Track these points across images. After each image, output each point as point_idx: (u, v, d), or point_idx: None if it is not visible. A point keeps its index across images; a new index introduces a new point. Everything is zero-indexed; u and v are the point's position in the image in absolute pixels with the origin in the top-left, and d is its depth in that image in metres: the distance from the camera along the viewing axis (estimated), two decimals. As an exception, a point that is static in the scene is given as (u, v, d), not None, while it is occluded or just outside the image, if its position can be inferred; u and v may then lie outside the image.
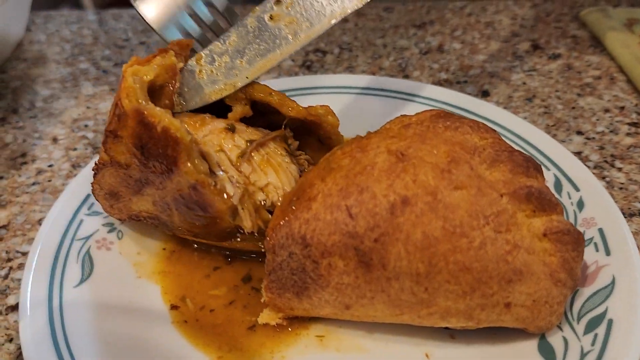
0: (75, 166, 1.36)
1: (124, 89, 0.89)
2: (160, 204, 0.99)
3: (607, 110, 1.46)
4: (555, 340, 0.91)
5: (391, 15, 1.89)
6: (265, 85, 1.04)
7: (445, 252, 0.83)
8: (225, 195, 0.94)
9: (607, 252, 0.99)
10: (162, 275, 1.07)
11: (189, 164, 0.89)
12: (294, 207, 0.88)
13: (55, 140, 1.44)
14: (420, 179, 0.85)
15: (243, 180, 0.97)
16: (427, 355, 0.93)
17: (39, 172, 1.35)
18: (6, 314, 1.05)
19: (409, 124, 0.96)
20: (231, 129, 1.01)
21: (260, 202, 0.98)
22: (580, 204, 1.09)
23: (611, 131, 1.39)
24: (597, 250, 1.01)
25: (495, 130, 0.95)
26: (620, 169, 1.29)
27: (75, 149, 1.41)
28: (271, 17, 1.05)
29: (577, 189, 1.12)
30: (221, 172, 0.96)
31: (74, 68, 1.71)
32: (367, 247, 0.84)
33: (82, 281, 1.03)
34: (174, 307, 1.01)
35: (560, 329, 0.92)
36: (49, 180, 1.32)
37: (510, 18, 1.86)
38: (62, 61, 1.75)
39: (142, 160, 0.93)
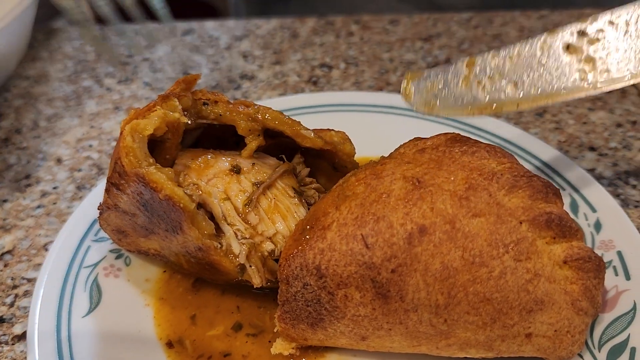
0: (81, 188, 1.34)
1: (122, 149, 0.86)
2: (167, 250, 0.97)
3: (619, 125, 1.44)
4: None
5: (397, 28, 1.87)
6: (279, 113, 0.99)
7: (464, 283, 0.81)
8: (232, 256, 0.92)
9: (627, 277, 0.97)
10: (160, 303, 1.04)
11: (193, 229, 0.88)
12: (307, 237, 0.86)
13: (59, 161, 1.42)
14: (438, 207, 0.83)
15: (250, 233, 0.93)
16: None
17: (44, 194, 1.33)
18: (12, 344, 1.02)
19: (423, 148, 0.93)
20: (236, 171, 0.97)
21: (268, 253, 0.94)
22: (598, 226, 1.07)
23: (624, 147, 1.37)
24: (616, 274, 0.98)
25: (512, 155, 0.93)
26: (634, 186, 1.27)
27: (80, 170, 1.39)
28: (567, 47, 0.91)
29: (594, 210, 1.09)
30: (227, 227, 0.93)
31: (77, 86, 1.69)
32: (385, 278, 0.81)
33: (90, 311, 1.01)
34: (169, 345, 0.98)
35: (582, 357, 0.90)
36: (54, 203, 1.30)
37: (518, 30, 1.84)
38: (65, 79, 1.73)
39: (146, 214, 0.91)
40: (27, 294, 1.11)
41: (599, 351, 0.90)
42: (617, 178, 1.28)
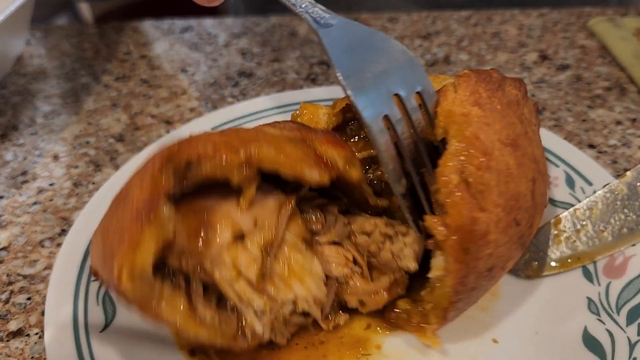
0: (77, 184, 1.33)
1: (122, 293, 0.76)
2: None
3: (618, 123, 1.43)
4: (599, 333, 0.92)
5: (396, 26, 1.87)
6: (275, 150, 0.85)
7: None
8: (254, 335, 0.89)
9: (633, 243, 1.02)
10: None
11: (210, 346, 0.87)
12: (470, 253, 0.84)
13: (56, 157, 1.41)
14: (530, 153, 0.89)
15: (270, 306, 0.87)
16: None
17: (40, 191, 1.32)
18: (7, 340, 1.02)
19: (478, 101, 0.89)
20: (240, 237, 0.86)
21: (289, 315, 0.90)
22: None
23: (624, 144, 1.36)
24: None
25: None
26: (634, 184, 1.26)
27: (76, 167, 1.38)
28: None
29: (590, 183, 1.13)
30: (245, 308, 0.87)
31: (75, 83, 1.68)
32: (526, 234, 0.89)
33: (107, 325, 0.98)
34: (192, 353, 0.96)
35: (602, 322, 0.93)
36: (51, 200, 1.29)
37: (517, 28, 1.83)
38: (62, 76, 1.72)
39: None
40: (23, 290, 1.10)
41: (618, 314, 0.93)
42: (616, 175, 1.27)
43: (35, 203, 1.29)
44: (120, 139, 1.46)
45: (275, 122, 0.98)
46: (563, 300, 0.99)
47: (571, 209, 1.04)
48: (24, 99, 1.62)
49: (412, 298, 0.97)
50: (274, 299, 0.87)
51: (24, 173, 1.37)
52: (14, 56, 1.62)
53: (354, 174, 0.89)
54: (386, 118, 0.87)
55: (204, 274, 0.85)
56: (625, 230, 1.01)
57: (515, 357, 0.93)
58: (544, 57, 1.69)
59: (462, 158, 0.83)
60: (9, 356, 0.99)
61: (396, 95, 0.88)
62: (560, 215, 1.06)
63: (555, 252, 1.04)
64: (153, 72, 1.72)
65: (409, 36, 1.81)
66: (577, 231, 1.03)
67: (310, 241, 0.91)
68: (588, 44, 1.73)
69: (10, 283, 1.12)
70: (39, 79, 1.71)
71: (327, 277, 0.93)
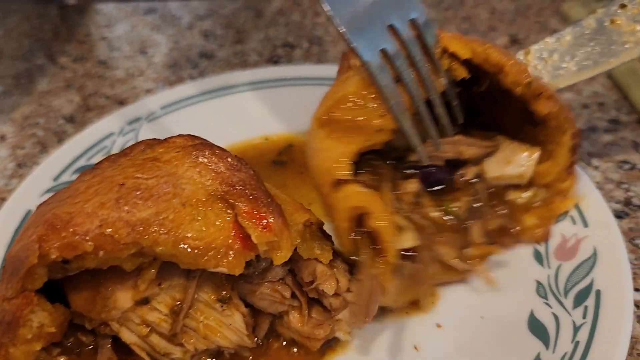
0: (22, 165, 1.28)
1: None
2: None
3: (585, 107, 1.39)
4: (545, 317, 0.89)
5: (365, 9, 1.82)
6: (170, 244, 0.73)
7: None
8: None
9: (585, 224, 0.99)
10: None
11: None
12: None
13: (3, 138, 1.36)
14: None
15: (190, 357, 0.84)
16: (416, 348, 0.89)
17: (-17, 171, 1.27)
18: None
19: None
20: (144, 302, 0.80)
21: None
22: None
23: (589, 128, 1.32)
24: (574, 222, 1.00)
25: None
26: (596, 167, 1.22)
27: (23, 148, 1.33)
28: (612, 22, 1.00)
29: None
30: (164, 359, 0.83)
31: (30, 64, 1.63)
32: None
33: None
34: None
35: (549, 305, 0.90)
36: (-8, 181, 1.24)
37: (489, 12, 1.79)
38: (18, 57, 1.67)
39: None
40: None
41: (566, 297, 0.90)
42: (579, 159, 1.23)
43: (-25, 184, 1.24)
44: (70, 120, 1.41)
45: (205, 152, 0.81)
46: (511, 284, 0.95)
47: (542, 41, 1.04)
48: (-24, 79, 1.57)
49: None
50: (191, 350, 0.83)
51: (-32, 153, 1.32)
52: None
53: (278, 259, 0.77)
54: (384, 52, 0.85)
55: (111, 332, 0.82)
56: (589, 62, 1.01)
57: (459, 342, 0.89)
58: (514, 41, 1.64)
59: None
60: None
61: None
62: (531, 47, 1.05)
63: None
64: (112, 54, 1.66)
65: (378, 19, 1.76)
66: (545, 60, 1.02)
67: (226, 299, 0.83)
68: (561, 28, 1.68)
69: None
70: (-7, 60, 1.66)
71: (261, 312, 0.88)
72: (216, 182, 0.76)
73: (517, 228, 0.99)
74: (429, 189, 0.97)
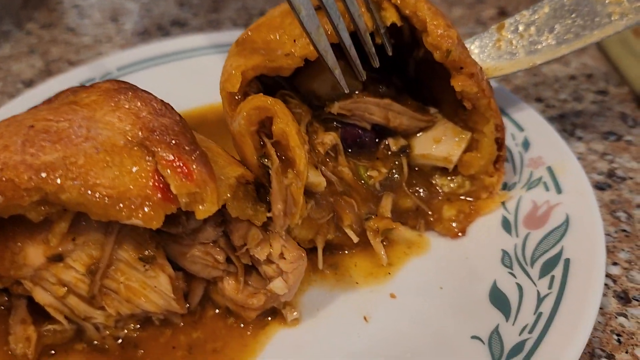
0: (-28, 129, 1.21)
1: None
2: None
3: (572, 78, 1.30)
4: (508, 288, 0.81)
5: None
6: (76, 192, 0.64)
7: None
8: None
9: (559, 190, 0.90)
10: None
11: None
12: None
13: (-45, 101, 1.30)
14: None
15: (113, 320, 0.77)
16: (365, 319, 0.82)
17: None
18: None
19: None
20: (57, 259, 0.73)
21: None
22: (526, 144, 0.99)
23: (575, 99, 1.24)
24: (547, 189, 0.92)
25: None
26: (580, 138, 1.13)
27: (-26, 111, 1.26)
28: None
29: (521, 129, 1.01)
30: (85, 324, 0.77)
31: (-4, 30, 1.57)
32: None
33: None
34: None
35: (514, 275, 0.82)
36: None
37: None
38: (-17, 22, 1.60)
39: None
40: None
41: (532, 267, 0.82)
42: (562, 130, 1.15)
43: None
44: (29, 84, 1.34)
45: (128, 95, 0.73)
46: (476, 254, 0.87)
47: (517, 14, 0.96)
48: (-62, 44, 1.51)
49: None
50: (113, 314, 0.76)
51: None
52: None
53: (200, 214, 0.67)
54: None
55: (25, 291, 0.74)
56: (570, 35, 0.93)
57: (413, 313, 0.81)
58: (502, 13, 1.56)
59: None
60: None
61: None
62: (505, 21, 0.97)
63: (493, 58, 0.96)
64: (82, 21, 1.60)
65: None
66: (520, 34, 0.95)
67: (149, 258, 0.75)
68: (552, 1, 1.60)
69: None
70: (-42, 26, 1.59)
71: (195, 277, 0.79)
72: (136, 127, 0.69)
73: (435, 216, 0.92)
74: (348, 150, 0.90)
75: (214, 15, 1.59)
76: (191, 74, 1.23)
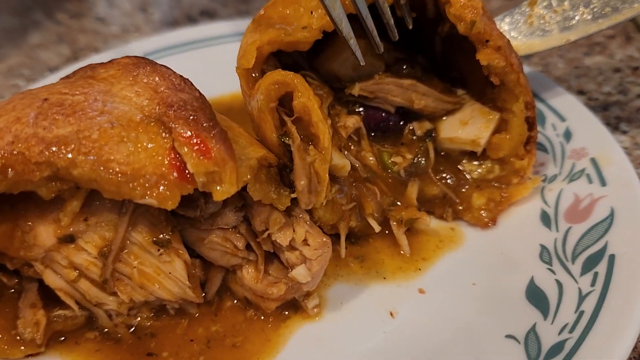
0: (-3, 114, 1.20)
1: None
2: None
3: (617, 70, 1.23)
4: (546, 285, 0.76)
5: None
6: (89, 168, 0.62)
7: None
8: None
9: (603, 183, 0.85)
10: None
11: None
12: None
13: (-16, 87, 1.29)
14: None
15: (126, 307, 0.74)
16: (391, 314, 0.77)
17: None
18: None
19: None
20: (69, 240, 0.69)
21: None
22: (568, 135, 0.94)
23: (620, 92, 1.17)
24: (590, 181, 0.86)
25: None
26: (625, 132, 1.07)
27: (2, 97, 1.25)
28: None
29: (563, 119, 0.96)
30: (96, 309, 0.74)
31: (26, 19, 1.56)
32: None
33: None
34: None
35: (553, 271, 0.77)
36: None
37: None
38: (12, 11, 1.60)
39: None
40: None
41: (573, 263, 0.77)
42: (606, 123, 1.08)
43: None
44: (56, 71, 1.33)
45: (147, 69, 0.70)
46: (512, 248, 0.82)
47: None
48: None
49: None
50: (126, 300, 0.72)
51: (-56, 101, 1.25)
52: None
53: (218, 194, 0.64)
54: None
55: (36, 274, 0.72)
56: (608, 9, 0.87)
57: (442, 310, 0.76)
58: (542, 5, 1.50)
59: None
60: None
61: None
62: None
63: (525, 35, 0.92)
64: (111, 11, 1.58)
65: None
66: (554, 10, 0.91)
67: (164, 242, 0.71)
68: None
69: None
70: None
71: (213, 265, 0.76)
72: (154, 102, 0.65)
73: (464, 205, 0.86)
74: (371, 134, 0.85)
75: (243, 5, 1.56)
76: (217, 62, 1.18)
